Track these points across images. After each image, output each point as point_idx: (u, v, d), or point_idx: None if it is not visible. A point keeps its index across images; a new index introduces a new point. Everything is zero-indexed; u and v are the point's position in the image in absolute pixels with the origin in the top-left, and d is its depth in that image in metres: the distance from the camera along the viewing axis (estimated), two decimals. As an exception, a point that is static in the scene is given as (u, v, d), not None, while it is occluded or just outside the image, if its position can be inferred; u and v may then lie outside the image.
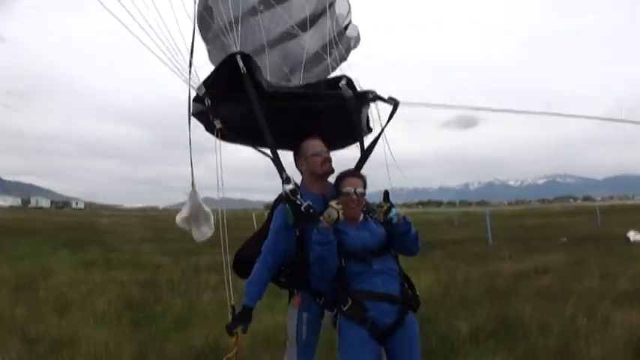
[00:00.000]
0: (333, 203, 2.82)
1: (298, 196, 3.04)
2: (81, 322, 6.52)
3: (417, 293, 3.05)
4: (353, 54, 4.40)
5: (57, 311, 7.11)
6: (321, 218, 2.79)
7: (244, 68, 3.04)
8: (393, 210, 2.90)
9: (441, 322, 6.14)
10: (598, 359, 4.55)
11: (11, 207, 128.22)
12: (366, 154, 3.43)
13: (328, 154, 3.28)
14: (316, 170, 3.25)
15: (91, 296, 8.25)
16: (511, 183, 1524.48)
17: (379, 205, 2.94)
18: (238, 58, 3.06)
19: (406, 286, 3.02)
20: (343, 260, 2.90)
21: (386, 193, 2.97)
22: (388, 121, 3.43)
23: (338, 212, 2.77)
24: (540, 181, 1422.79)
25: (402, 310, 2.90)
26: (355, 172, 3.21)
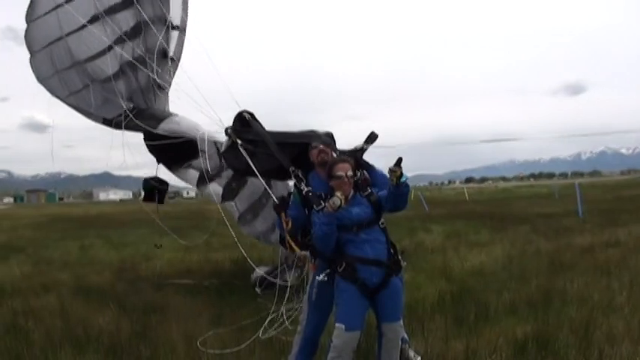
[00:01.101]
0: (338, 193, 3.46)
1: (303, 184, 3.83)
2: (173, 294, 7.56)
3: (399, 258, 3.71)
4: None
5: (154, 286, 8.21)
6: (326, 204, 3.45)
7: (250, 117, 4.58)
8: (405, 175, 3.43)
9: (486, 293, 6.51)
10: (618, 335, 4.68)
11: (121, 200, 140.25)
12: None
13: (327, 147, 4.02)
14: (313, 160, 4.05)
15: (188, 273, 9.44)
16: (623, 151, 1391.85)
17: (392, 170, 3.42)
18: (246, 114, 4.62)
19: (392, 252, 3.67)
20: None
21: (399, 160, 3.49)
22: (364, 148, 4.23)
23: (341, 201, 3.42)
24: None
25: (388, 272, 3.59)
26: (345, 159, 3.81)
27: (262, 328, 5.05)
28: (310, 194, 3.75)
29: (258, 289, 6.93)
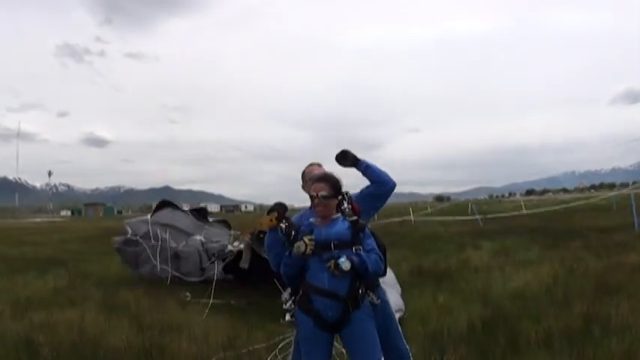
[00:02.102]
0: (306, 238, 3.12)
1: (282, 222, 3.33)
2: (196, 313, 7.42)
3: (364, 293, 3.18)
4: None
5: (181, 303, 8.14)
6: (293, 247, 3.13)
7: None
8: (341, 260, 3.01)
9: (523, 320, 5.95)
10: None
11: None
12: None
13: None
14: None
15: (219, 290, 9.28)
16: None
17: (327, 261, 3.06)
18: None
19: (357, 283, 3.16)
20: None
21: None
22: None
23: (306, 247, 3.07)
24: None
25: (345, 307, 3.11)
26: (321, 177, 3.42)
27: (272, 354, 4.82)
28: (287, 229, 3.29)
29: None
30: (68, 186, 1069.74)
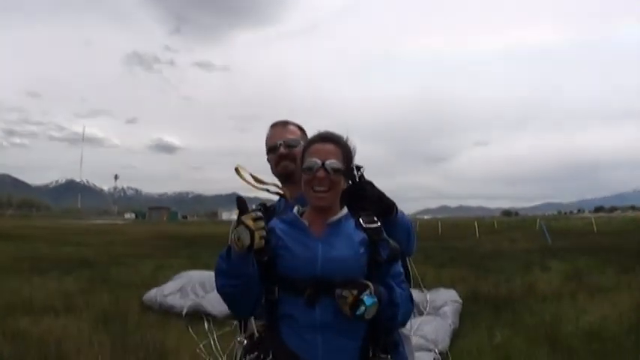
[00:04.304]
0: (246, 218, 1.60)
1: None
2: (194, 335, 6.29)
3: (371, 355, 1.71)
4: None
5: (188, 320, 6.91)
6: (230, 239, 1.64)
7: None
8: (367, 300, 1.58)
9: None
10: None
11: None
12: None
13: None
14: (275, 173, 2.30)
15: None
16: None
17: (342, 296, 1.61)
18: None
19: (371, 354, 1.71)
20: (277, 289, 1.74)
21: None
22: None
23: (251, 235, 1.57)
24: None
25: None
26: (328, 135, 1.87)
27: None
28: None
29: None
30: (136, 190, 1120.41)
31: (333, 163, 1.77)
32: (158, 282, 10.23)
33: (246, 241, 1.57)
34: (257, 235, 1.58)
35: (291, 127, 2.32)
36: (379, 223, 1.82)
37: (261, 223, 1.62)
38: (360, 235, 1.77)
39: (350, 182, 1.92)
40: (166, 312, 7.48)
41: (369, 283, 1.63)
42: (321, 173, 1.75)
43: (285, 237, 1.77)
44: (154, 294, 8.05)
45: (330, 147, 1.82)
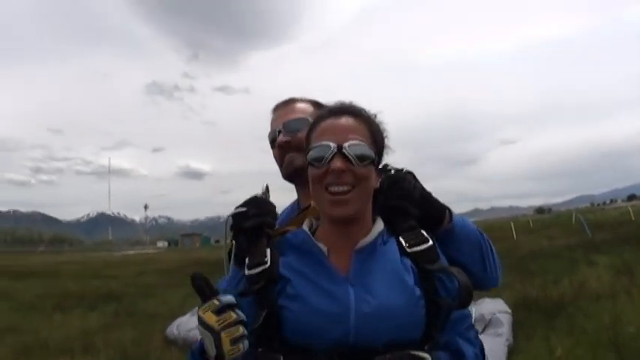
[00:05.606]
0: (204, 313, 1.03)
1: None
2: None
3: None
4: None
5: None
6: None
7: None
8: None
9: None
10: None
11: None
12: None
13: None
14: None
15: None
16: None
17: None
18: None
19: None
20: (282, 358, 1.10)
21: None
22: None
23: (216, 342, 1.00)
24: None
25: None
26: (343, 107, 1.25)
27: None
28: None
29: None
30: (168, 218, 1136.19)
31: (355, 145, 1.13)
32: (185, 312, 9.86)
33: (211, 350, 1.01)
34: (225, 339, 1.00)
35: (299, 105, 1.62)
36: (431, 242, 1.18)
37: (232, 316, 1.02)
38: (409, 266, 1.14)
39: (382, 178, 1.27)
40: (190, 347, 7.01)
41: (428, 357, 1.06)
42: (337, 163, 1.12)
43: (293, 277, 1.13)
44: (175, 328, 7.60)
45: (348, 122, 1.19)
